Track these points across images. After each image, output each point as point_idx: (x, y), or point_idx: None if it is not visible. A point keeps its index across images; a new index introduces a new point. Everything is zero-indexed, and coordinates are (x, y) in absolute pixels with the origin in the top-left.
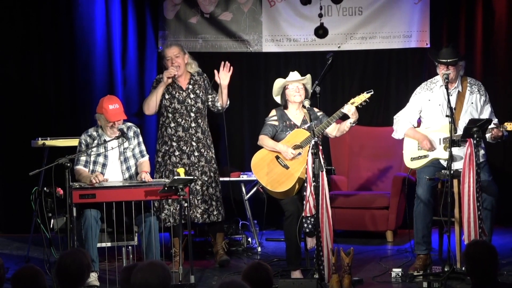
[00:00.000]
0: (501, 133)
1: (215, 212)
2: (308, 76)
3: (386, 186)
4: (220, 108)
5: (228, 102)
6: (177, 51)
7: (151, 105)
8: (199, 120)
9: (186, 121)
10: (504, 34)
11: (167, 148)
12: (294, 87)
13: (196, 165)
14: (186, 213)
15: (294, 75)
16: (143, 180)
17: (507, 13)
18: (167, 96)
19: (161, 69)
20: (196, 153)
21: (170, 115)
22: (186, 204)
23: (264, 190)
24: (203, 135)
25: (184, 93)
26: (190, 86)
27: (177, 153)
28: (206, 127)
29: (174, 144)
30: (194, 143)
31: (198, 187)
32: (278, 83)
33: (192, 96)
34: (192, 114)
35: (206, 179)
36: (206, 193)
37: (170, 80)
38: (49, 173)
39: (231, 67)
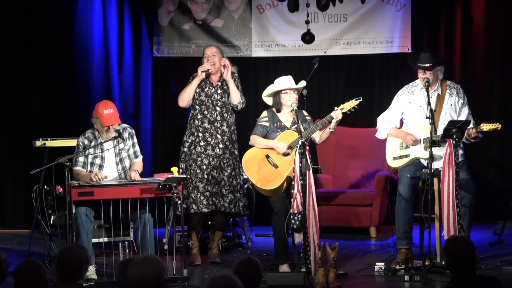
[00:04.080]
0: (476, 134)
1: (239, 204)
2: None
3: (370, 184)
4: (233, 104)
5: (241, 100)
6: (215, 51)
7: (185, 98)
8: (225, 115)
9: (211, 114)
10: (482, 40)
11: (193, 139)
12: (291, 92)
13: (221, 157)
14: (180, 210)
15: (290, 80)
16: (132, 179)
17: (485, 20)
18: (197, 90)
19: (156, 72)
20: (221, 145)
21: (197, 107)
22: (179, 202)
23: (253, 187)
24: (229, 129)
25: (213, 88)
26: (220, 83)
27: (202, 143)
28: (233, 122)
29: (200, 135)
30: (219, 136)
31: (225, 178)
32: (276, 87)
33: (219, 91)
34: (218, 108)
35: (230, 171)
36: (234, 184)
37: (203, 75)
38: (49, 172)
39: (228, 67)
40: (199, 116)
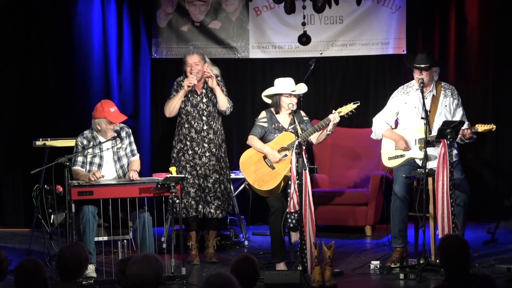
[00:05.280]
0: (471, 134)
1: (222, 208)
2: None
3: (365, 183)
4: (221, 110)
5: (229, 105)
6: (198, 59)
7: (172, 109)
8: (211, 123)
9: (198, 124)
10: (476, 42)
11: (181, 146)
12: (291, 96)
13: (207, 165)
14: (178, 209)
15: (291, 83)
16: (131, 178)
17: (478, 22)
18: (183, 99)
19: (154, 73)
20: (207, 154)
21: (184, 116)
22: (178, 201)
23: (250, 187)
24: (215, 135)
25: (198, 97)
26: (204, 91)
27: (190, 152)
28: (219, 127)
29: (188, 143)
30: (206, 144)
31: (210, 185)
32: (278, 90)
33: (204, 100)
34: (204, 118)
35: (217, 176)
36: (219, 190)
37: (190, 88)
38: (49, 172)
39: (212, 76)
40: (186, 125)
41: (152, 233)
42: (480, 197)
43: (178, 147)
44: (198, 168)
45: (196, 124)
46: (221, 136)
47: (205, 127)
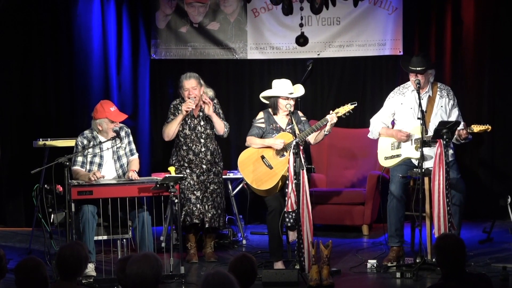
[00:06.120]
0: (466, 135)
1: (219, 219)
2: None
3: (362, 183)
4: (219, 134)
5: (226, 129)
6: (195, 84)
7: (170, 134)
8: (209, 144)
9: (196, 146)
10: (471, 42)
11: (178, 166)
12: (288, 98)
13: (206, 181)
14: (177, 208)
15: (289, 85)
16: (131, 178)
17: (474, 23)
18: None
19: (153, 74)
20: (205, 173)
21: (182, 139)
22: (176, 201)
23: (248, 187)
24: (212, 155)
25: (195, 120)
26: (201, 114)
27: (187, 170)
28: (216, 147)
29: (186, 164)
30: (204, 166)
31: (208, 194)
32: (276, 92)
33: (202, 123)
34: (202, 140)
35: (215, 188)
36: (216, 201)
37: (187, 113)
38: (49, 172)
39: (209, 103)
40: (184, 148)
41: (151, 232)
42: (476, 197)
43: (176, 166)
44: (195, 183)
45: (194, 146)
46: (218, 154)
47: (203, 149)
